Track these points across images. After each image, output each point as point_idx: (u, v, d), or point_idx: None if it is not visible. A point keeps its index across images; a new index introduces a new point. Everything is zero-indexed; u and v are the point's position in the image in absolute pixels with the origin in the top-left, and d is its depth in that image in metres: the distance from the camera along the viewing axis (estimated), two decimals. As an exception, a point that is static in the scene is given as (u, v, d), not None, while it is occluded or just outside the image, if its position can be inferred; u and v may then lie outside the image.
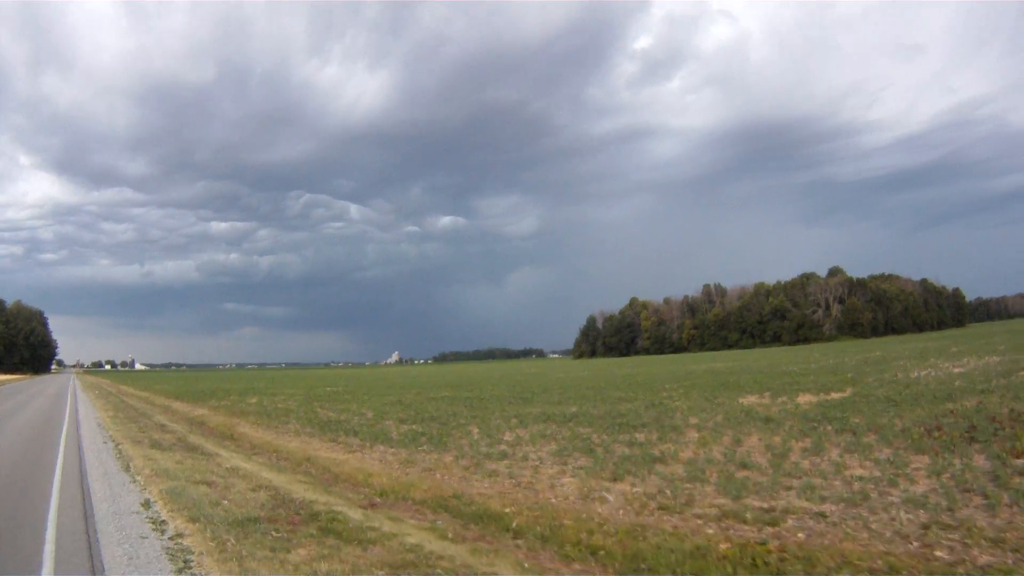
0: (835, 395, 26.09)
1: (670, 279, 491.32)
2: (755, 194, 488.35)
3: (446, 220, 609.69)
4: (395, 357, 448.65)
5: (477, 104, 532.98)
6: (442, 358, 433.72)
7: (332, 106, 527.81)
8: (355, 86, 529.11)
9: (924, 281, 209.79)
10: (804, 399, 25.43)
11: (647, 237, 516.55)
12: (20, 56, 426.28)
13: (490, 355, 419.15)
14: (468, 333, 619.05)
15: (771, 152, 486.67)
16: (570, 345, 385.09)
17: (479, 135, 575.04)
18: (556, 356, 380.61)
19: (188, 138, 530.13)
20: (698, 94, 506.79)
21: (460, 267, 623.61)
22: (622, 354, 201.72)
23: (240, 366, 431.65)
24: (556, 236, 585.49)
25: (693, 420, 20.47)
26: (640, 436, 17.82)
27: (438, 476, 13.45)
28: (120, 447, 18.97)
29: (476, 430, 20.48)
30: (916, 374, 33.41)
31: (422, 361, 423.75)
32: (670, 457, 14.42)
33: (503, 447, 16.91)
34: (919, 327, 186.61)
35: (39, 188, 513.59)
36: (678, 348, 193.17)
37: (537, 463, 14.53)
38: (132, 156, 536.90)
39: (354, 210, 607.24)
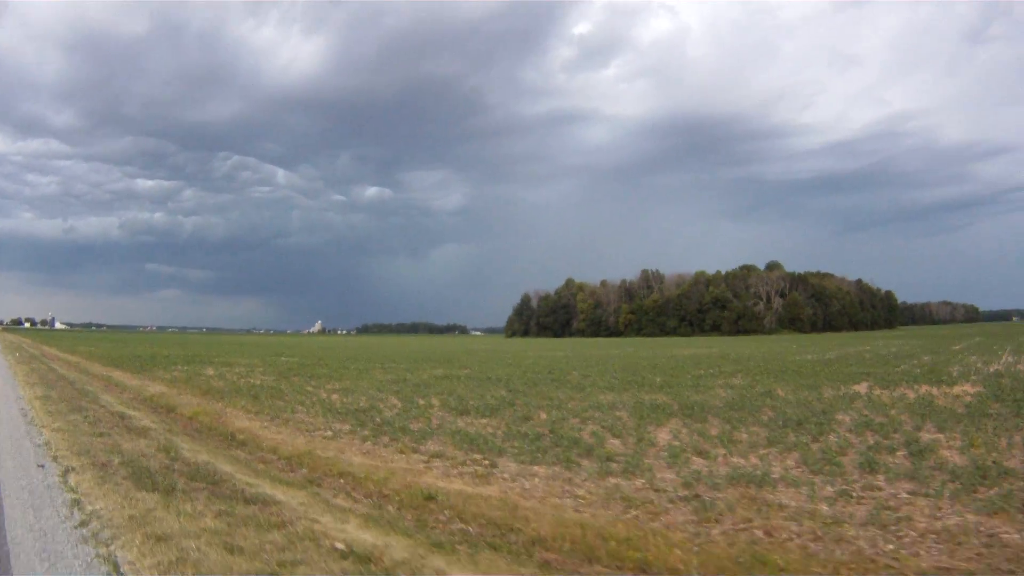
0: (959, 389, 22.28)
1: (595, 263, 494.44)
2: (683, 186, 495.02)
3: (372, 191, 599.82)
4: (318, 326, 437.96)
5: (411, 77, 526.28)
6: (365, 329, 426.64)
7: (265, 68, 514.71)
8: (289, 49, 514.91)
9: (859, 281, 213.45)
10: (930, 391, 21.57)
11: (574, 221, 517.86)
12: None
13: (414, 329, 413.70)
14: (391, 306, 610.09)
15: (701, 146, 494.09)
16: (492, 323, 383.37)
17: (410, 108, 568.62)
18: (479, 333, 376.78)
19: (117, 91, 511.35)
20: (632, 83, 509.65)
21: (385, 239, 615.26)
22: (556, 335, 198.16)
23: (161, 329, 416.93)
24: (482, 214, 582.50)
25: (880, 418, 15.86)
26: (860, 439, 13.11)
27: (741, 536, 7.52)
28: (72, 479, 10.30)
29: (610, 436, 14.26)
30: (997, 368, 30.48)
31: (345, 332, 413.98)
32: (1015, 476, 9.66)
33: (699, 464, 11.38)
34: (855, 326, 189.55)
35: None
36: (614, 332, 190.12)
37: (833, 496, 8.97)
38: (60, 106, 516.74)
39: (281, 175, 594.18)
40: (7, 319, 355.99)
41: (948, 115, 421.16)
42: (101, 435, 13.99)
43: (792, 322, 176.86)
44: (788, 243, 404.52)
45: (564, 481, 10.14)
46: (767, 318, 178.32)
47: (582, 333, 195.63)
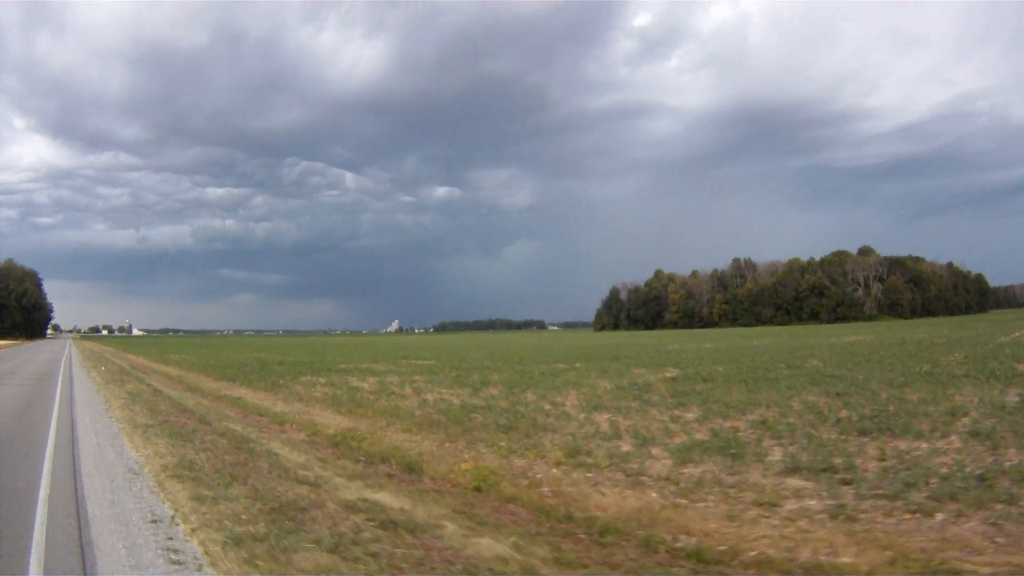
0: None
1: (667, 255, 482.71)
2: (752, 176, 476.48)
3: (441, 191, 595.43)
4: (395, 326, 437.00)
5: (473, 76, 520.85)
6: (442, 328, 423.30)
7: (327, 74, 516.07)
8: (350, 53, 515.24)
9: (950, 265, 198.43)
10: None
11: (645, 215, 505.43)
12: (13, 17, 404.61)
13: (491, 325, 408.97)
14: (465, 303, 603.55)
15: (768, 135, 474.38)
16: (569, 318, 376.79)
17: (474, 107, 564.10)
18: (556, 328, 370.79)
19: (183, 103, 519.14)
20: (695, 74, 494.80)
21: (456, 238, 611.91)
22: (648, 327, 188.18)
23: (237, 332, 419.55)
24: (552, 210, 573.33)
25: None
26: None
27: None
28: None
29: None
30: None
31: (421, 330, 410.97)
32: None
33: None
34: (950, 311, 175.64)
35: (34, 151, 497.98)
36: (708, 323, 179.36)
37: None
38: (127, 120, 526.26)
39: (349, 178, 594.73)
40: (85, 327, 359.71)
41: (1018, 92, 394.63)
42: None
43: (892, 307, 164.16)
44: (862, 230, 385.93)
45: None
46: (867, 304, 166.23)
47: (675, 325, 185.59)
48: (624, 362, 33.05)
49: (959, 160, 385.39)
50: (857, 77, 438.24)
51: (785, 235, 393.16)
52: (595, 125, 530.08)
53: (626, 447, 10.74)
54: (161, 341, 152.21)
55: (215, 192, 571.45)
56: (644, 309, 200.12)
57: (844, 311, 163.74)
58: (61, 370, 38.07)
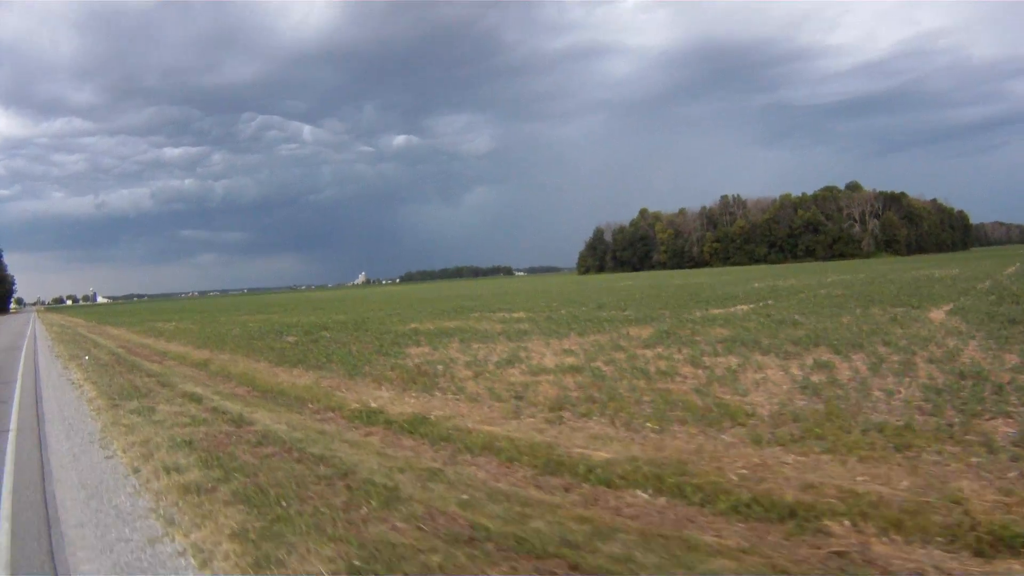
0: None
1: (634, 195, 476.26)
2: (712, 114, 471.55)
3: (400, 139, 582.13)
4: (362, 278, 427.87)
5: (426, 21, 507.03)
6: (409, 277, 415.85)
7: (279, 26, 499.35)
8: (302, 5, 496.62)
9: (935, 201, 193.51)
10: None
11: (606, 155, 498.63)
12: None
13: (458, 273, 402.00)
14: (432, 252, 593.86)
15: (727, 74, 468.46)
16: (535, 262, 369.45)
17: (429, 53, 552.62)
18: (522, 273, 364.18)
19: (134, 64, 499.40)
20: (652, 13, 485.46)
21: (417, 186, 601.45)
22: (635, 268, 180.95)
23: (202, 293, 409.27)
24: (511, 154, 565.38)
25: None
26: None
27: None
28: None
29: None
30: None
31: (388, 281, 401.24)
32: None
33: None
34: (938, 248, 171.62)
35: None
36: (698, 263, 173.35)
37: None
38: (79, 85, 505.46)
39: (307, 131, 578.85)
40: (48, 299, 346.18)
41: (979, 33, 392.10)
42: None
43: (888, 244, 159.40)
44: (817, 168, 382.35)
45: None
46: (864, 241, 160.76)
47: (663, 266, 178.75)
48: (798, 299, 25.49)
49: (921, 99, 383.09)
50: (818, 14, 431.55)
51: (750, 172, 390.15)
52: (553, 67, 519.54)
53: None
54: (130, 308, 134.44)
55: (172, 152, 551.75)
56: (631, 250, 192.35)
57: (841, 248, 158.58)
58: (20, 374, 21.06)
